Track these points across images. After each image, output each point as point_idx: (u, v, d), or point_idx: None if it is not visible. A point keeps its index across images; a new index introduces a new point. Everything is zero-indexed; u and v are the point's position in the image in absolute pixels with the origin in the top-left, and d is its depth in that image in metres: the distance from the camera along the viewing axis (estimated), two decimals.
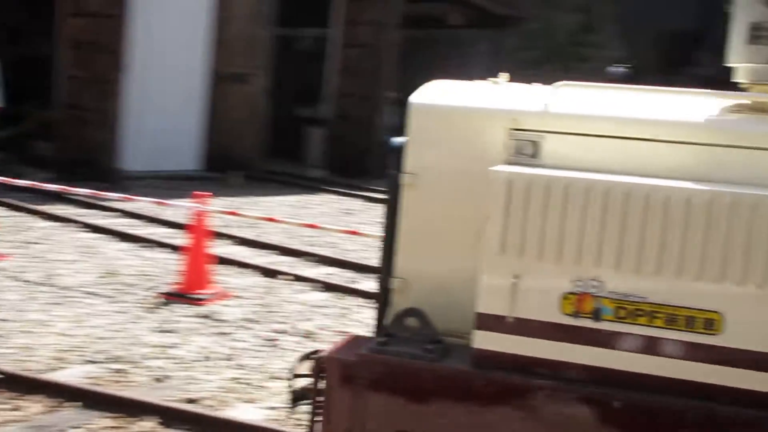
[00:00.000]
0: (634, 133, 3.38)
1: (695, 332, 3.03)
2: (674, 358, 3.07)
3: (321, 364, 3.64)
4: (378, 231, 3.87)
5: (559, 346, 3.21)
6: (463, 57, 21.78)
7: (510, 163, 3.41)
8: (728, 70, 3.66)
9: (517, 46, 23.50)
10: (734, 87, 3.50)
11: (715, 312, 3.02)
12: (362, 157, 20.58)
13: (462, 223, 3.60)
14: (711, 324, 3.02)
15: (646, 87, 3.47)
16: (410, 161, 3.63)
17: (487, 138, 3.54)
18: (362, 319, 8.30)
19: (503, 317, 3.25)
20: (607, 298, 3.14)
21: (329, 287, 9.42)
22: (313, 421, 3.79)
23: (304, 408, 4.14)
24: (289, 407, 4.18)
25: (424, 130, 3.67)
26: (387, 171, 3.72)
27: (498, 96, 3.67)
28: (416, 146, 3.64)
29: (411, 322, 3.52)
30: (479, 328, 3.31)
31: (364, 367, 3.42)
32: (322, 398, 3.74)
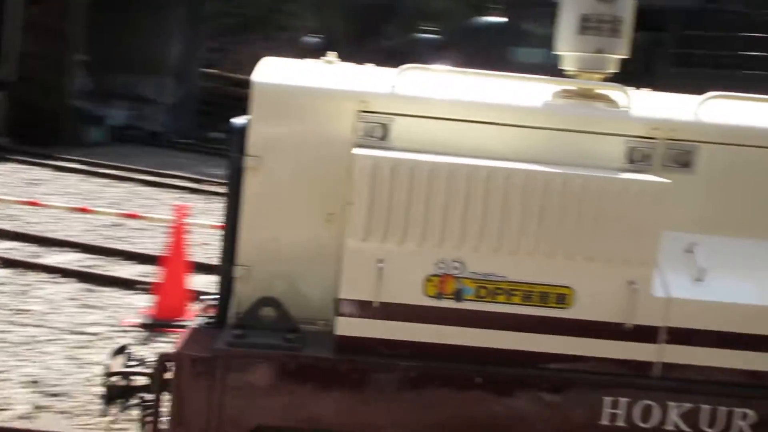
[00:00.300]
0: (475, 117, 3.54)
1: (549, 306, 3.28)
2: (531, 332, 3.30)
3: (166, 361, 3.39)
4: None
5: (423, 328, 3.29)
6: (159, 21, 20.93)
7: (359, 146, 3.41)
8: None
9: (216, 11, 23.04)
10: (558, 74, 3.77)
11: (567, 287, 3.28)
12: (50, 124, 19.09)
13: (310, 207, 3.53)
14: (563, 299, 3.28)
15: (489, 72, 3.62)
16: (253, 143, 3.48)
17: (336, 120, 3.50)
18: (46, 296, 7.94)
19: (368, 302, 3.26)
20: (468, 278, 3.27)
21: (9, 263, 8.88)
22: (148, 421, 3.53)
23: (118, 407, 3.85)
24: (103, 406, 3.86)
25: (269, 111, 3.52)
26: (228, 154, 3.52)
27: (345, 77, 3.63)
28: (260, 128, 3.48)
29: (266, 311, 3.39)
30: (342, 314, 3.28)
31: (221, 362, 3.24)
32: (153, 397, 3.50)
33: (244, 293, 3.50)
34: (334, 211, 3.49)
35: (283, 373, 3.26)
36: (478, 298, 3.27)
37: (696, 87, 4.21)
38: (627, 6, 3.61)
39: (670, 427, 3.36)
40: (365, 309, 3.26)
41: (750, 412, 3.36)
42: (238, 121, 3.52)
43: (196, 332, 3.51)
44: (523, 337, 3.29)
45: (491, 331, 3.29)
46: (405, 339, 3.29)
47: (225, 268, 3.55)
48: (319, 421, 3.25)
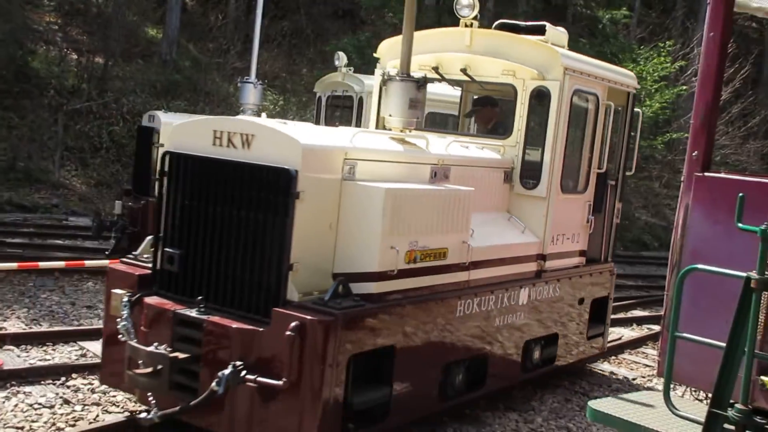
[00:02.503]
0: (382, 158, 6.95)
1: (440, 259, 6.89)
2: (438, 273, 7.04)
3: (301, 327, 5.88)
4: None
5: (407, 280, 6.55)
6: None
7: (345, 179, 6.42)
8: None
9: None
10: None
11: (446, 248, 6.95)
12: None
13: (325, 219, 6.33)
14: (445, 254, 6.95)
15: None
16: (300, 182, 6.04)
17: (335, 164, 6.45)
18: None
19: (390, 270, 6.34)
20: (419, 250, 6.60)
21: None
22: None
23: None
24: None
25: (311, 162, 6.19)
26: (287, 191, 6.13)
27: (337, 137, 6.76)
28: (304, 172, 6.07)
29: (342, 289, 6.14)
30: (374, 280, 6.31)
31: (340, 319, 5.88)
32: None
33: (298, 279, 6.08)
34: (332, 222, 6.35)
35: (366, 318, 6.17)
36: (422, 259, 6.69)
37: None
38: (425, 94, 7.41)
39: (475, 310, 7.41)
40: (387, 275, 6.37)
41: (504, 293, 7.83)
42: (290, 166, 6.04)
43: (297, 308, 5.96)
44: (436, 277, 6.94)
45: (426, 276, 6.80)
46: (402, 288, 6.52)
47: (280, 267, 6.10)
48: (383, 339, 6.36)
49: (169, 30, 24.95)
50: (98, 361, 7.83)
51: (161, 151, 12.74)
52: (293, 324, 5.70)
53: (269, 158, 6.07)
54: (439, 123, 11.58)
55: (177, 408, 6.02)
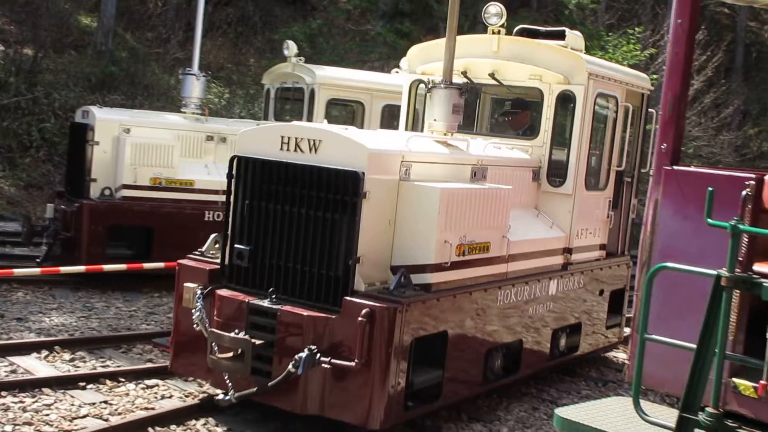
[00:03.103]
0: (432, 161, 8.10)
1: (484, 252, 8.03)
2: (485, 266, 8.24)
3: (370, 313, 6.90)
4: None
5: (452, 273, 7.69)
6: None
7: (402, 180, 7.58)
8: None
9: None
10: None
11: (488, 242, 8.06)
12: None
13: (385, 216, 7.46)
14: (488, 248, 8.07)
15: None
16: (366, 184, 7.13)
17: (394, 166, 7.57)
18: None
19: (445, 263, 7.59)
20: (467, 244, 7.79)
21: None
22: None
23: None
24: None
25: (375, 165, 7.34)
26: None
27: (394, 141, 7.99)
28: (369, 175, 7.17)
29: (406, 279, 7.27)
30: (431, 271, 7.42)
31: (405, 305, 7.02)
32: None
33: (363, 271, 7.20)
34: (390, 218, 7.48)
35: (426, 306, 7.29)
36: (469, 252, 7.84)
37: None
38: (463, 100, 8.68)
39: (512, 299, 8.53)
40: (441, 267, 7.51)
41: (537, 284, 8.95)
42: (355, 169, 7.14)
43: (366, 297, 7.04)
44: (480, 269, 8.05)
45: (473, 268, 7.93)
46: (453, 278, 7.67)
47: (347, 260, 7.17)
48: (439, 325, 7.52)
49: (104, 18, 24.66)
50: (30, 377, 8.25)
51: (95, 149, 12.64)
52: (364, 311, 6.80)
53: (336, 162, 7.18)
54: (396, 114, 11.90)
55: (254, 389, 7.09)
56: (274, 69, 14.76)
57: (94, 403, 7.80)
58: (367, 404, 6.87)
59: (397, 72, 14.71)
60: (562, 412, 5.44)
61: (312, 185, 7.22)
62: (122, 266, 10.34)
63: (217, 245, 8.02)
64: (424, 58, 10.10)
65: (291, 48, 14.08)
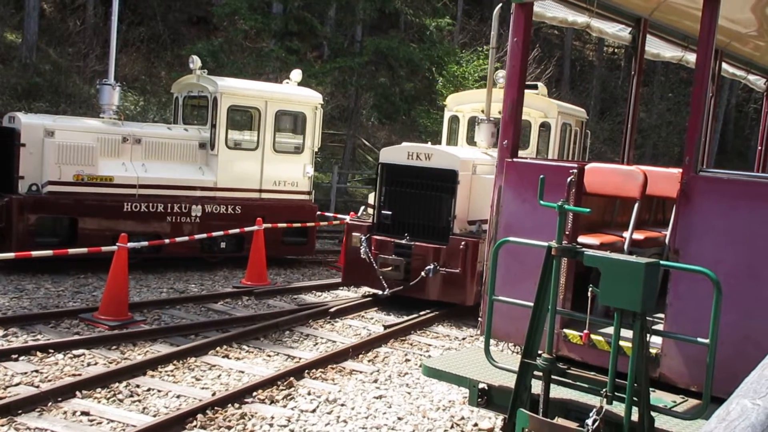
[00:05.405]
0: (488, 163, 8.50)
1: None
2: None
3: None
4: None
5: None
6: None
7: (473, 175, 11.41)
8: None
9: None
10: None
11: None
12: None
13: (466, 195, 11.16)
14: None
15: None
16: (459, 177, 11.09)
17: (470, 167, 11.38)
18: None
19: None
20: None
21: None
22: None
23: None
24: None
25: (462, 167, 11.16)
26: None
27: (469, 153, 11.78)
28: (461, 171, 11.05)
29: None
30: (485, 223, 8.71)
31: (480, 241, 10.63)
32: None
33: (456, 224, 11.07)
34: (467, 195, 11.12)
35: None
36: None
37: None
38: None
39: None
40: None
41: None
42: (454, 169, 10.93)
43: (460, 236, 10.95)
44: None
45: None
46: None
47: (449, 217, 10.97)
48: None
49: (27, 35, 23.41)
50: None
51: (22, 151, 12.08)
52: (462, 243, 10.74)
53: (441, 165, 11.02)
54: (286, 119, 12.35)
55: (401, 287, 11.04)
56: (182, 80, 14.39)
57: (26, 372, 7.43)
58: (465, 292, 10.79)
59: (287, 83, 14.59)
60: (428, 362, 5.53)
61: (428, 178, 11.01)
62: (49, 252, 9.86)
63: (364, 212, 11.95)
64: (458, 101, 14.11)
65: (196, 62, 13.79)
